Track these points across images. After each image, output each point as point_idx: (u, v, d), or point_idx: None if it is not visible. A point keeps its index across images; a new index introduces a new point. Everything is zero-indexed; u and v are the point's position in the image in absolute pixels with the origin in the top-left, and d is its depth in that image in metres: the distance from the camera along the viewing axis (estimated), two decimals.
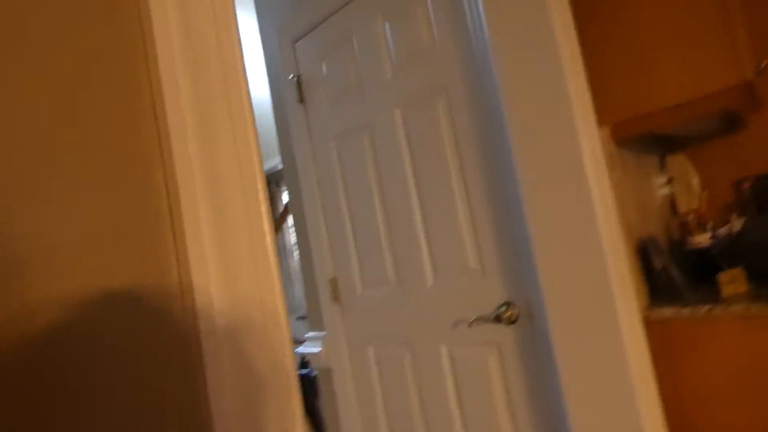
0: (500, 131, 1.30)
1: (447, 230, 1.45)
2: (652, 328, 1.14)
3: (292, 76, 1.85)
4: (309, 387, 2.21)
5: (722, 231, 1.25)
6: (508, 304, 1.32)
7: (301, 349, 1.90)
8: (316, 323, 1.89)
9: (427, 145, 1.48)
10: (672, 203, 1.57)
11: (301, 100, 1.85)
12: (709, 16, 1.10)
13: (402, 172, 1.55)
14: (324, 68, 1.76)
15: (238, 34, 0.65)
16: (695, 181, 1.52)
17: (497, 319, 1.31)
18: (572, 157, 1.12)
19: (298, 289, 3.41)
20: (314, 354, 1.86)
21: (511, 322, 1.31)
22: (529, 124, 1.18)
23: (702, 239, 1.23)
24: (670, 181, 1.55)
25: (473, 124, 1.37)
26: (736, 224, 1.24)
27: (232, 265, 0.58)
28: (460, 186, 1.42)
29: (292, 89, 1.86)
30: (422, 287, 1.52)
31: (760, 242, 1.20)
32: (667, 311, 1.12)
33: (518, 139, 1.20)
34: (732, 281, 1.12)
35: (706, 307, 1.06)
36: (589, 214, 1.11)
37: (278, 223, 3.42)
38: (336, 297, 1.78)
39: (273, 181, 3.49)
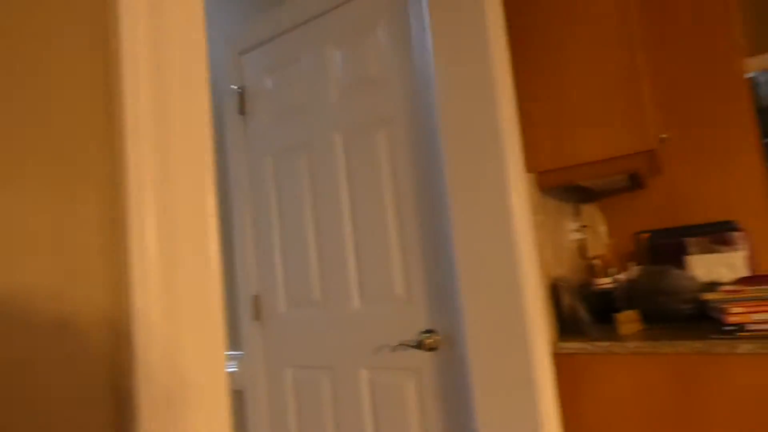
0: (437, 167, 1.37)
1: (377, 256, 1.49)
2: (559, 360, 1.25)
3: (236, 87, 1.83)
4: None
5: (622, 276, 1.40)
6: (430, 331, 1.37)
7: None
8: (232, 342, 1.83)
9: (365, 171, 1.52)
10: (582, 247, 1.74)
11: (242, 111, 1.83)
12: (623, 91, 1.27)
13: (337, 195, 1.57)
14: (269, 83, 1.76)
15: (205, 44, 0.65)
16: (603, 230, 1.69)
17: (419, 345, 1.35)
18: (501, 199, 1.21)
19: None
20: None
21: (432, 348, 1.36)
22: (464, 163, 1.27)
23: (605, 282, 1.37)
24: (582, 228, 1.71)
25: (412, 157, 1.43)
26: (634, 271, 1.39)
27: (174, 267, 0.57)
28: (393, 214, 1.46)
29: (234, 100, 1.84)
30: (348, 310, 1.53)
31: (649, 290, 1.36)
32: (573, 345, 1.22)
33: (453, 175, 1.28)
34: (628, 321, 1.25)
35: (606, 344, 1.18)
36: (512, 252, 1.19)
37: None
38: (257, 315, 1.74)
39: None
